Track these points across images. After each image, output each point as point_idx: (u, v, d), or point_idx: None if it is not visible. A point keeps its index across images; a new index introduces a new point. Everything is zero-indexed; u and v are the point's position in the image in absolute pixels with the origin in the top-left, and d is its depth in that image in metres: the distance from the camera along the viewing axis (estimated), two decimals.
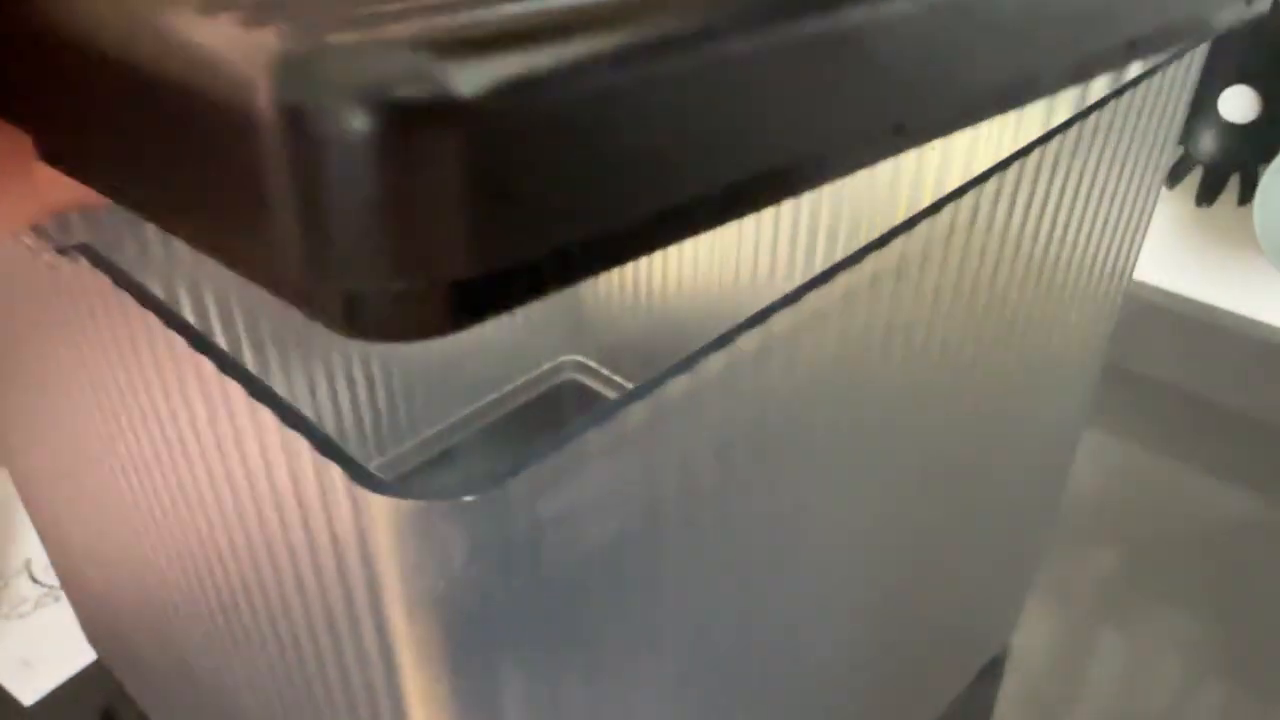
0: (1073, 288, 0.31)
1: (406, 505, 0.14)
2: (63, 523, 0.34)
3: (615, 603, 0.19)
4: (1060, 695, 0.49)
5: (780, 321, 0.19)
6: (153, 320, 0.18)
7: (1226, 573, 0.56)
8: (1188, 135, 0.65)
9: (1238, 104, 0.64)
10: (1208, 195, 0.65)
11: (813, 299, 0.20)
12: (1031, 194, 0.26)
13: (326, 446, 0.15)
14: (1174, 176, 0.66)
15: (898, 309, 0.23)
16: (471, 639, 0.16)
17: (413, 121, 0.12)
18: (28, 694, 0.51)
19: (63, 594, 0.55)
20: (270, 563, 0.19)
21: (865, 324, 0.22)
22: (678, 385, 0.17)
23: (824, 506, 0.24)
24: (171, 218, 0.15)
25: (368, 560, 0.16)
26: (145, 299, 0.18)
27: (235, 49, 0.13)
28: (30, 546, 0.58)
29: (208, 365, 0.17)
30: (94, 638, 0.39)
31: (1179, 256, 0.70)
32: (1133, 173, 0.31)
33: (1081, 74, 0.22)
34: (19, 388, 0.29)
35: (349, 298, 0.13)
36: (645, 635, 0.21)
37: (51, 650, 0.52)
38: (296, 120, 0.12)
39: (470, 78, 0.13)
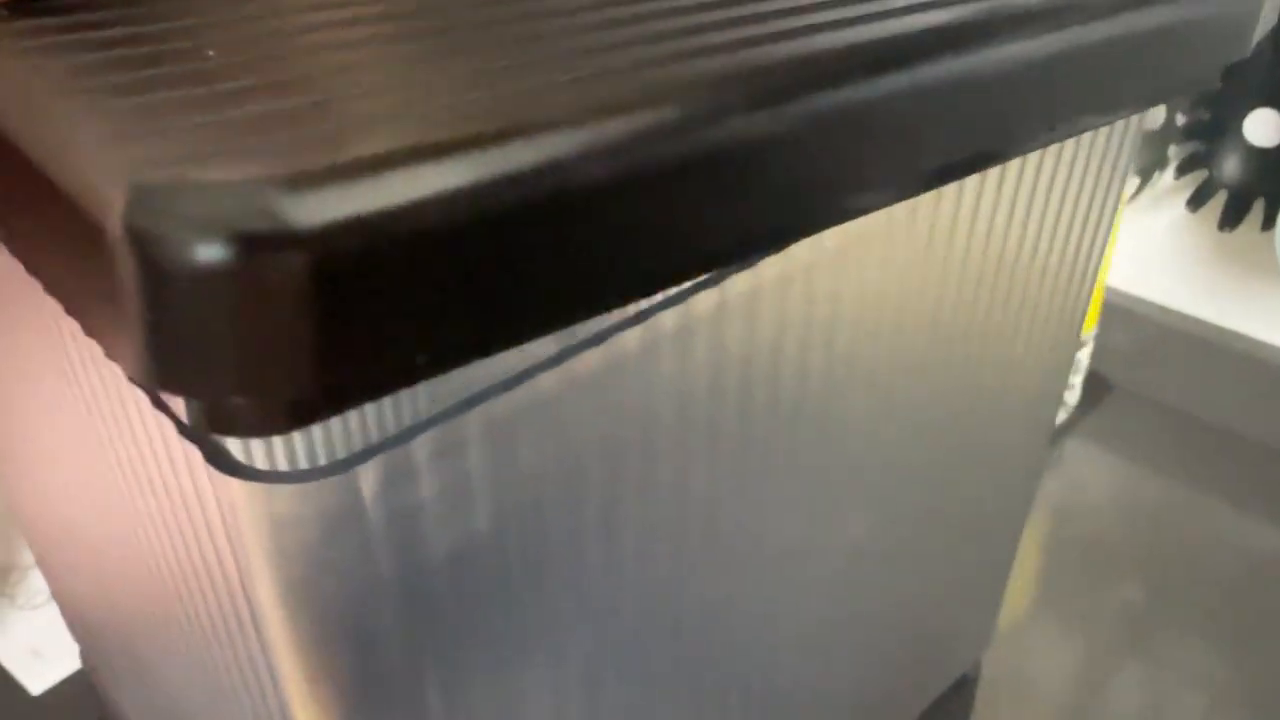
0: (1029, 299, 0.31)
1: (263, 489, 0.15)
2: (34, 521, 0.35)
3: (496, 601, 0.19)
4: None
5: (667, 319, 0.19)
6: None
7: (1246, 605, 0.55)
8: (1212, 159, 0.64)
9: (1263, 128, 0.63)
10: (1231, 219, 0.64)
11: (727, 288, 0.20)
12: (976, 205, 0.26)
13: (186, 429, 0.15)
14: (1197, 200, 0.65)
15: (820, 308, 0.23)
16: (341, 626, 0.17)
17: (251, 257, 0.13)
18: (36, 684, 0.52)
19: None
20: (170, 553, 0.20)
21: (782, 320, 0.22)
22: (547, 380, 0.17)
23: (737, 509, 0.24)
24: (44, 274, 0.16)
25: (236, 544, 0.16)
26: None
27: (96, 168, 0.13)
28: None
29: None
30: (77, 639, 0.40)
31: (1201, 281, 0.69)
32: (1088, 193, 0.30)
33: (997, 159, 0.22)
34: None
35: (199, 407, 0.14)
36: (537, 637, 0.21)
37: (62, 642, 0.53)
38: (144, 247, 0.13)
39: (308, 210, 0.13)
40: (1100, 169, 0.31)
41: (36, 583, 0.57)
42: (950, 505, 0.32)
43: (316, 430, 0.39)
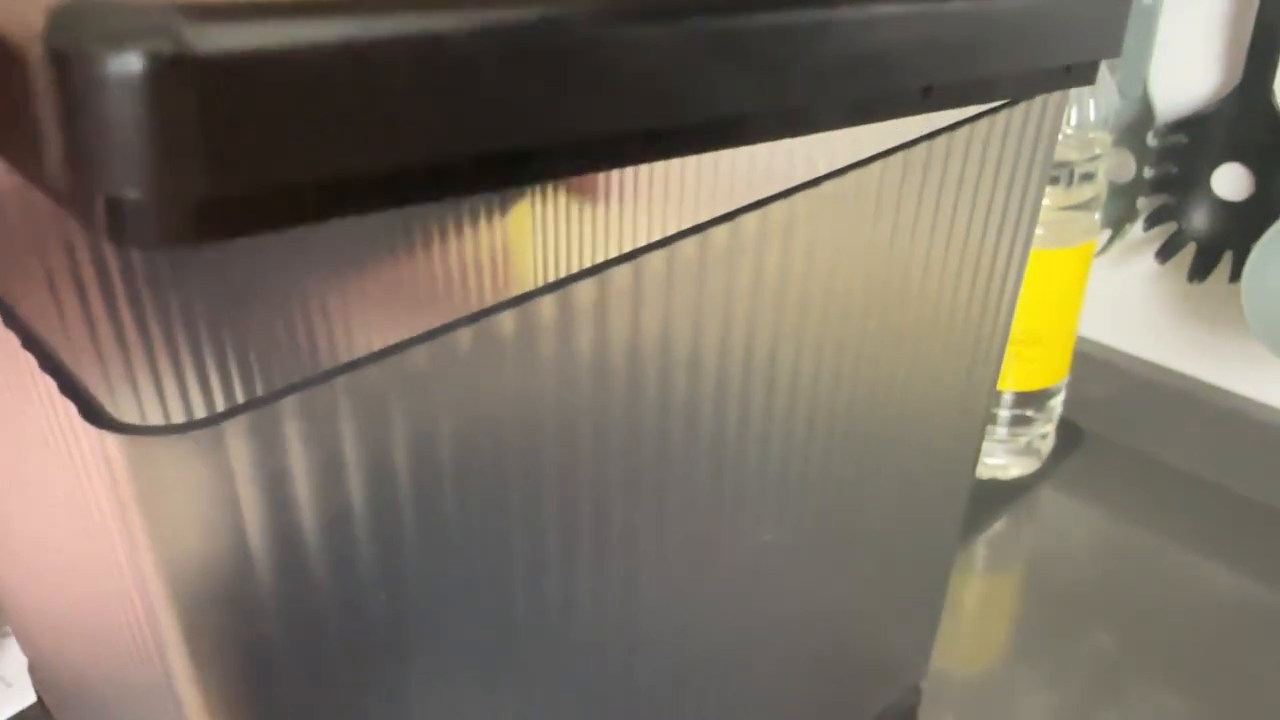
0: (944, 309, 0.31)
1: (136, 443, 0.16)
2: None
3: (376, 581, 0.20)
4: None
5: (549, 305, 0.20)
6: None
7: (1217, 655, 0.55)
8: (1180, 212, 0.65)
9: (1231, 182, 0.64)
10: (1200, 272, 0.65)
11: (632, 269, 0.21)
12: (879, 201, 0.26)
13: (66, 385, 0.16)
14: (1166, 252, 0.66)
15: (718, 295, 0.24)
16: (221, 595, 0.17)
17: (155, 70, 0.15)
18: (3, 710, 0.52)
19: None
20: (71, 534, 0.21)
21: (693, 313, 0.23)
22: (419, 352, 0.18)
23: (629, 514, 0.25)
24: None
25: (119, 504, 0.17)
26: None
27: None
28: None
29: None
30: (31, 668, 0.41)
31: (1170, 333, 0.70)
32: (996, 208, 0.31)
33: (870, 112, 0.24)
34: None
35: (109, 205, 0.16)
36: (426, 624, 0.21)
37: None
38: (63, 62, 0.15)
39: (206, 39, 0.15)
40: (1008, 199, 0.32)
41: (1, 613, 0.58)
42: (871, 521, 0.32)
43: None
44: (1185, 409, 0.69)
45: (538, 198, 0.52)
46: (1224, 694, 0.53)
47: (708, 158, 0.47)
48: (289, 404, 0.17)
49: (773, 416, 0.27)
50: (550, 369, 0.21)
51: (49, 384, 0.17)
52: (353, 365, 0.18)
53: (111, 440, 0.16)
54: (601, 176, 0.50)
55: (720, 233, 0.22)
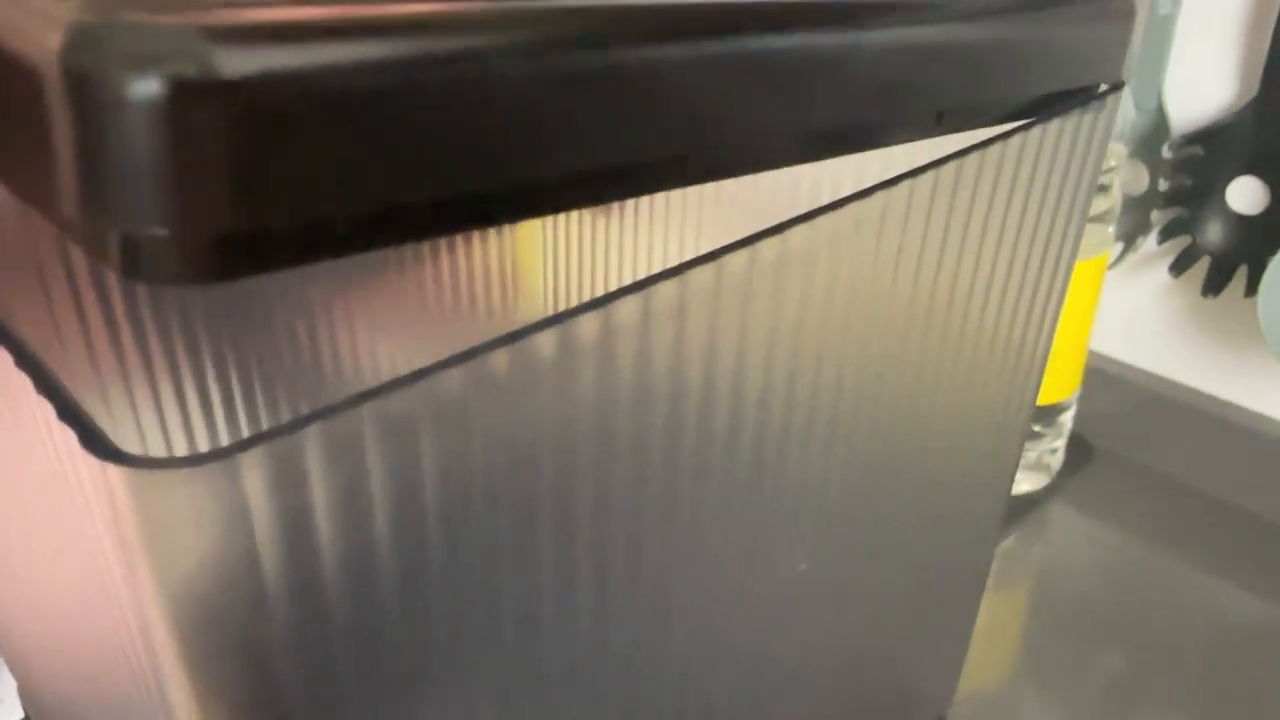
0: (985, 345, 0.31)
1: (141, 476, 0.15)
2: None
3: (396, 613, 0.19)
4: None
5: (588, 325, 0.19)
6: None
7: (1227, 675, 0.54)
8: (1195, 225, 0.64)
9: (1246, 195, 0.63)
10: (1214, 286, 0.64)
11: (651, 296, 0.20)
12: (908, 219, 0.26)
13: (65, 410, 0.15)
14: (1180, 266, 0.65)
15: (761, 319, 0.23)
16: (230, 634, 0.16)
17: (179, 95, 0.14)
18: None
19: None
20: (72, 569, 0.20)
21: (718, 342, 0.22)
22: (450, 377, 0.17)
23: (660, 542, 0.24)
24: None
25: (121, 539, 0.16)
26: None
27: (35, 15, 0.14)
28: None
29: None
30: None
31: (1183, 348, 0.69)
32: (1041, 226, 0.30)
33: (884, 136, 0.23)
34: None
35: (125, 241, 0.15)
36: (439, 658, 0.20)
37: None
38: (80, 85, 0.14)
39: (235, 62, 0.14)
40: (1052, 229, 0.31)
41: None
42: (906, 548, 0.32)
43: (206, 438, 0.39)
44: (1198, 425, 0.68)
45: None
46: (1234, 715, 0.52)
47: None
48: (307, 435, 0.16)
49: (811, 441, 0.26)
50: (585, 392, 0.20)
51: (46, 409, 0.16)
52: (378, 391, 0.16)
53: (114, 472, 0.15)
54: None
55: (750, 254, 0.22)
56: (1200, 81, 0.63)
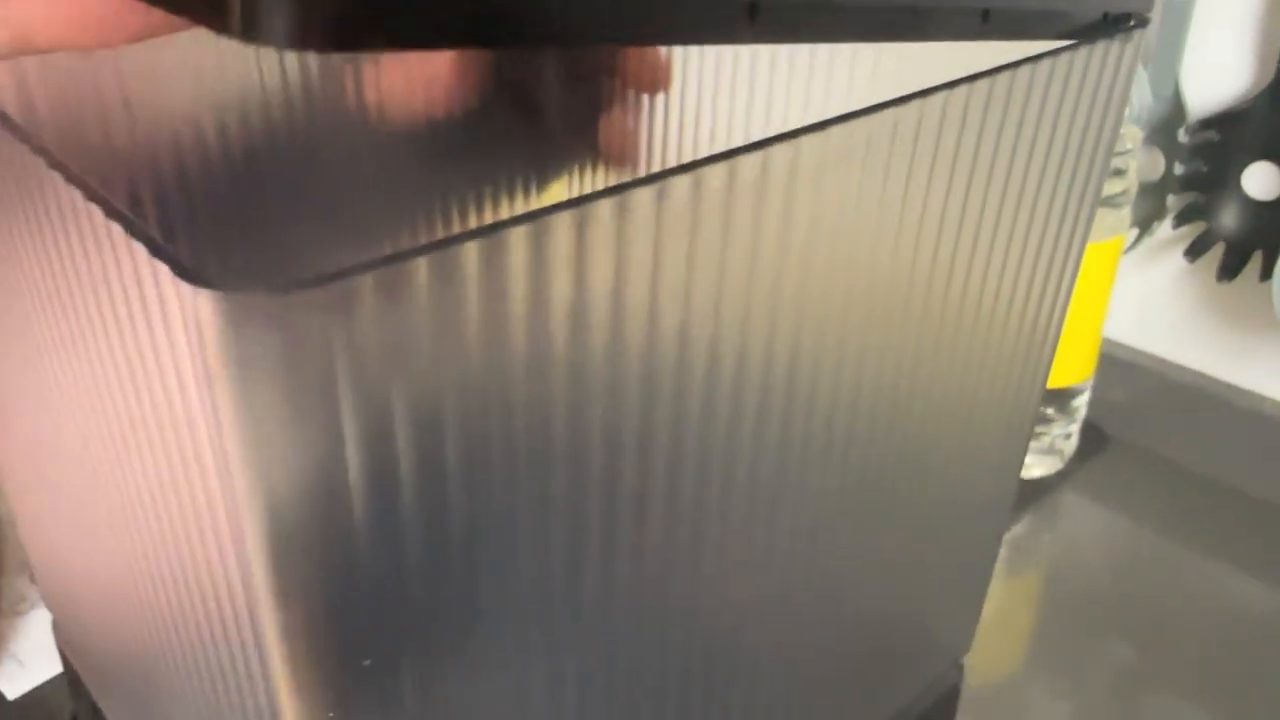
0: (1003, 284, 0.31)
1: (235, 304, 0.15)
2: (21, 482, 0.35)
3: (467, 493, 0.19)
4: None
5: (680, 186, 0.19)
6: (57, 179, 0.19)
7: (1238, 664, 0.54)
8: (1210, 211, 0.65)
9: (1261, 180, 0.63)
10: (1229, 271, 0.64)
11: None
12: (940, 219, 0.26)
13: (157, 248, 0.15)
14: (1195, 251, 0.65)
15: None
16: (313, 482, 0.17)
17: None
18: (13, 689, 0.51)
19: None
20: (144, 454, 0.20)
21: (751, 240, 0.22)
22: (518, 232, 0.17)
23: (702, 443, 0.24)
24: None
25: (208, 375, 0.16)
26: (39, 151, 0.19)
27: None
28: None
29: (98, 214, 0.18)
30: (61, 634, 0.40)
31: (1197, 334, 0.69)
32: (1062, 169, 0.30)
33: (933, 28, 0.23)
34: None
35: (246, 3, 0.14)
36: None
37: (41, 650, 0.53)
38: None
39: None
40: (1074, 176, 0.31)
41: (22, 589, 0.57)
42: (921, 512, 0.32)
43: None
44: (1211, 411, 0.69)
45: (574, 177, 0.51)
46: (1243, 704, 0.52)
47: (744, 131, 0.47)
48: (405, 267, 0.16)
49: (820, 398, 0.27)
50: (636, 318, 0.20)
51: (135, 253, 0.16)
52: (489, 230, 0.16)
53: (207, 302, 0.15)
54: (640, 154, 0.50)
55: (762, 159, 0.21)
56: (1217, 68, 0.64)
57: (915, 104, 0.25)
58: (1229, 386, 0.69)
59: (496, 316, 0.18)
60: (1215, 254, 0.65)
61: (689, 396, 0.23)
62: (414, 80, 0.44)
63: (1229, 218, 0.64)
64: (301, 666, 0.19)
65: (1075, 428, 0.67)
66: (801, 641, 0.30)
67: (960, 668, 0.39)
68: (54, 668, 0.52)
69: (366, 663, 0.19)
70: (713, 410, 0.24)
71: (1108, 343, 0.73)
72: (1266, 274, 0.63)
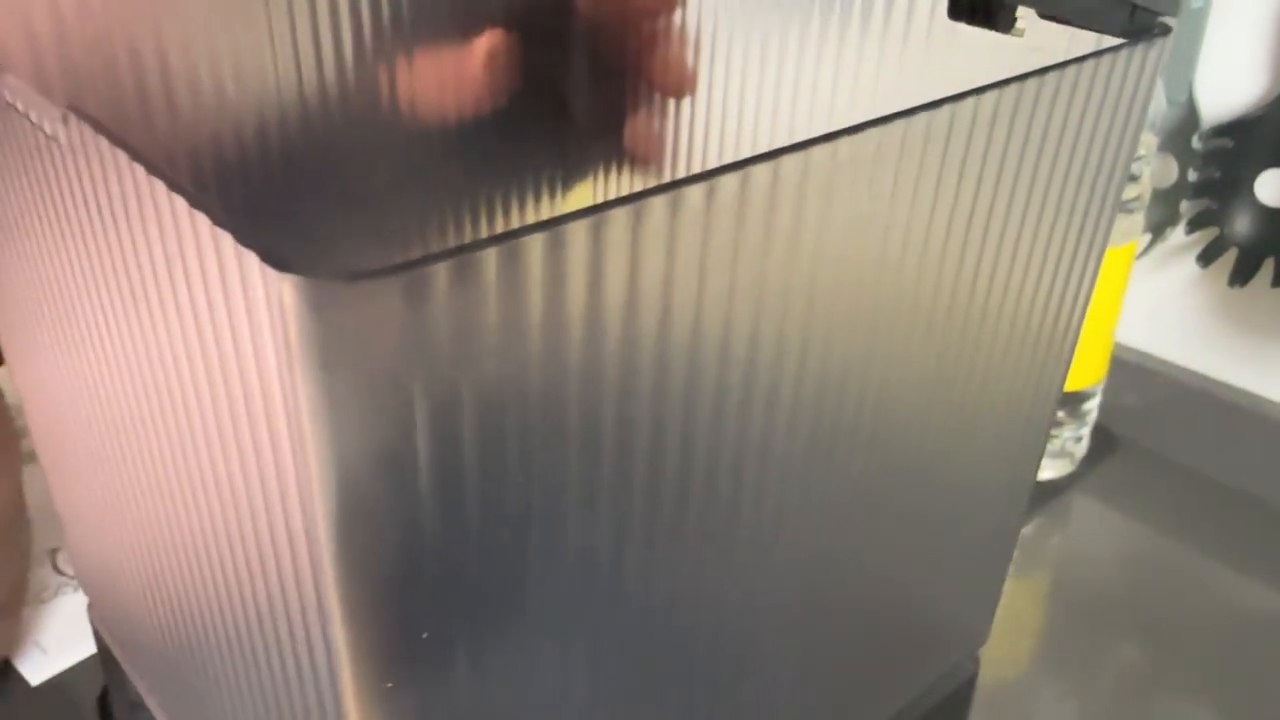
0: (1023, 291, 0.32)
1: (315, 288, 0.15)
2: (56, 448, 0.35)
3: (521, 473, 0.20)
4: None
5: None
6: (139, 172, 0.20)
7: (1246, 667, 0.54)
8: (1223, 217, 0.65)
9: (1274, 187, 0.64)
10: (1241, 277, 0.65)
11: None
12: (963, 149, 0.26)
13: (244, 236, 0.16)
14: (1207, 257, 0.66)
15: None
16: (385, 464, 0.17)
17: None
18: (36, 675, 0.52)
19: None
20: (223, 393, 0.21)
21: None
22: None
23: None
24: None
25: (289, 357, 0.17)
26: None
27: None
28: (58, 537, 0.60)
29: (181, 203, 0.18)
30: (92, 600, 0.41)
31: (1209, 339, 0.70)
32: (1085, 168, 0.31)
33: None
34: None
35: None
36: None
37: (63, 638, 0.54)
38: None
39: None
40: (1095, 183, 0.32)
41: (45, 578, 0.58)
42: (938, 506, 0.32)
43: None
44: (1222, 416, 0.69)
45: (598, 178, 0.52)
46: (1252, 706, 0.52)
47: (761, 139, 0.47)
48: (487, 255, 0.17)
49: (830, 393, 0.27)
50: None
51: (219, 240, 0.17)
52: (552, 222, 0.17)
53: (292, 287, 0.16)
54: (665, 155, 0.50)
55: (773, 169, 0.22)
56: (1231, 75, 0.65)
57: (946, 109, 0.25)
58: (1240, 391, 0.69)
59: (555, 308, 0.19)
60: (1228, 260, 0.66)
61: (729, 393, 0.24)
62: (445, 79, 0.45)
63: (1241, 224, 0.65)
64: (364, 637, 0.19)
65: (1086, 431, 0.68)
66: (825, 627, 0.31)
67: (976, 660, 0.39)
68: (77, 654, 0.53)
69: (425, 635, 0.20)
70: (749, 405, 0.24)
71: (1119, 347, 0.73)
72: (1278, 280, 0.63)
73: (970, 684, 0.39)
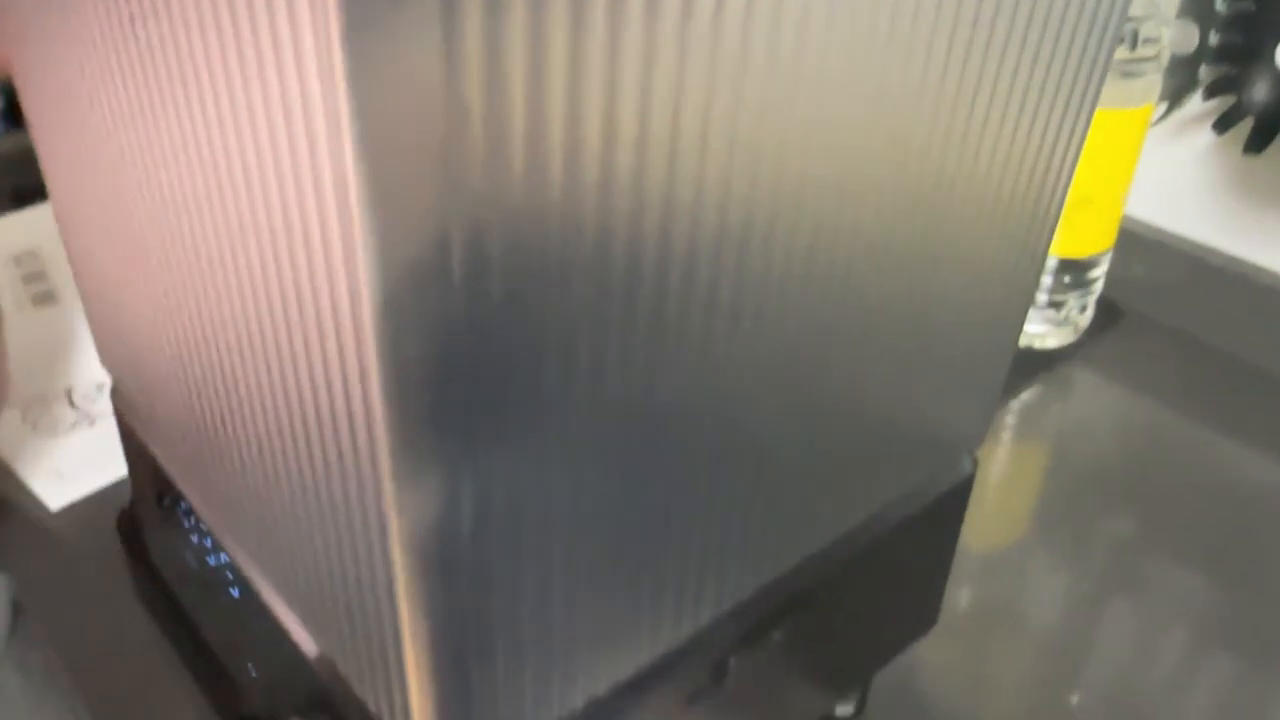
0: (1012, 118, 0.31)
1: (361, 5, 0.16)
2: (83, 226, 0.35)
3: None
4: (1065, 654, 0.49)
5: None
6: None
7: (1247, 539, 0.55)
8: (1242, 84, 0.65)
9: None
10: (1257, 144, 0.65)
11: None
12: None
13: None
14: (1224, 124, 0.66)
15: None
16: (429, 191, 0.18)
17: None
18: (55, 500, 0.54)
19: (95, 419, 0.58)
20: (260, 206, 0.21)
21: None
22: None
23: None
24: None
25: (334, 82, 0.17)
26: None
27: None
28: (73, 375, 0.61)
29: None
30: (107, 359, 0.41)
31: (1219, 212, 0.70)
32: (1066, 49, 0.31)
33: None
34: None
35: None
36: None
37: (80, 466, 0.55)
38: None
39: None
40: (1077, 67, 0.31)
41: (61, 413, 0.59)
42: (940, 298, 0.32)
43: None
44: (1229, 288, 0.69)
45: None
46: (1246, 575, 0.52)
47: None
48: None
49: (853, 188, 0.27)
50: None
51: None
52: None
53: (337, 14, 0.16)
54: None
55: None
56: None
57: None
58: (1249, 264, 0.69)
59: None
60: (1244, 128, 0.66)
61: (730, 208, 0.24)
62: None
63: (1260, 92, 0.65)
64: (408, 412, 0.20)
65: (1091, 300, 0.68)
66: (825, 417, 0.31)
67: (975, 460, 0.40)
68: (93, 483, 0.55)
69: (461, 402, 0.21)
70: (752, 216, 0.25)
71: (1129, 220, 0.73)
72: None
73: (969, 481, 0.40)
